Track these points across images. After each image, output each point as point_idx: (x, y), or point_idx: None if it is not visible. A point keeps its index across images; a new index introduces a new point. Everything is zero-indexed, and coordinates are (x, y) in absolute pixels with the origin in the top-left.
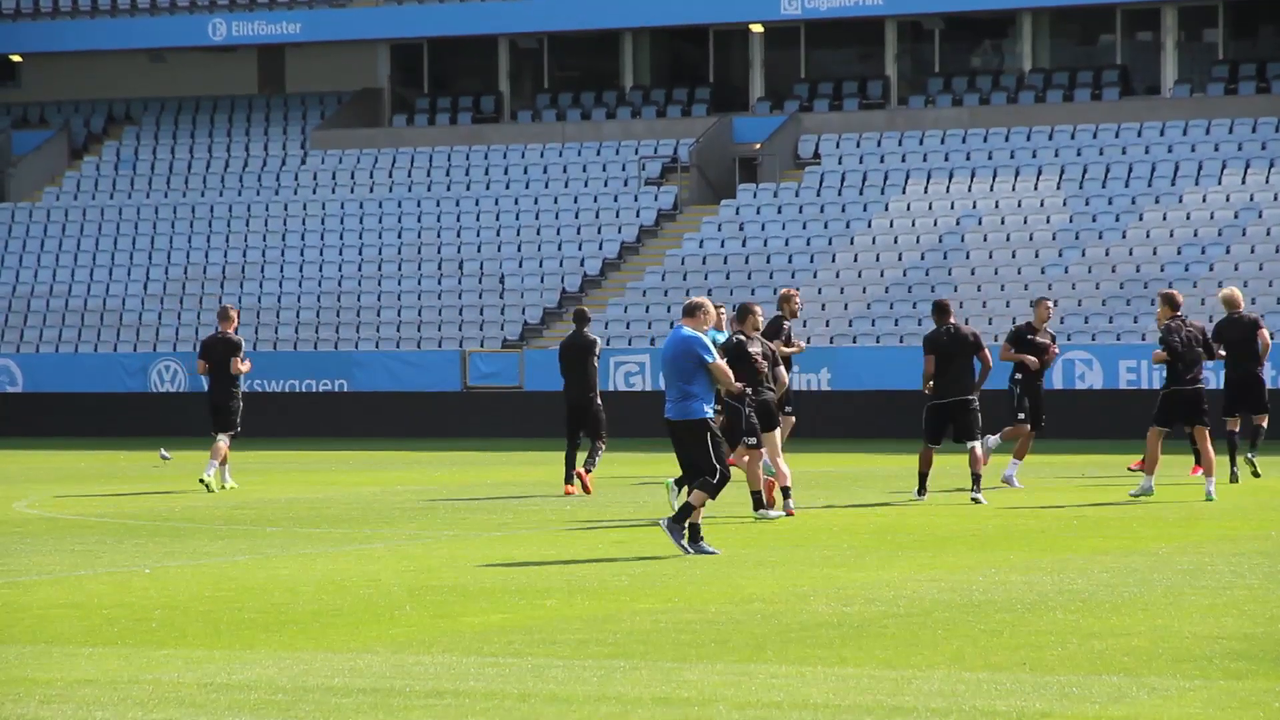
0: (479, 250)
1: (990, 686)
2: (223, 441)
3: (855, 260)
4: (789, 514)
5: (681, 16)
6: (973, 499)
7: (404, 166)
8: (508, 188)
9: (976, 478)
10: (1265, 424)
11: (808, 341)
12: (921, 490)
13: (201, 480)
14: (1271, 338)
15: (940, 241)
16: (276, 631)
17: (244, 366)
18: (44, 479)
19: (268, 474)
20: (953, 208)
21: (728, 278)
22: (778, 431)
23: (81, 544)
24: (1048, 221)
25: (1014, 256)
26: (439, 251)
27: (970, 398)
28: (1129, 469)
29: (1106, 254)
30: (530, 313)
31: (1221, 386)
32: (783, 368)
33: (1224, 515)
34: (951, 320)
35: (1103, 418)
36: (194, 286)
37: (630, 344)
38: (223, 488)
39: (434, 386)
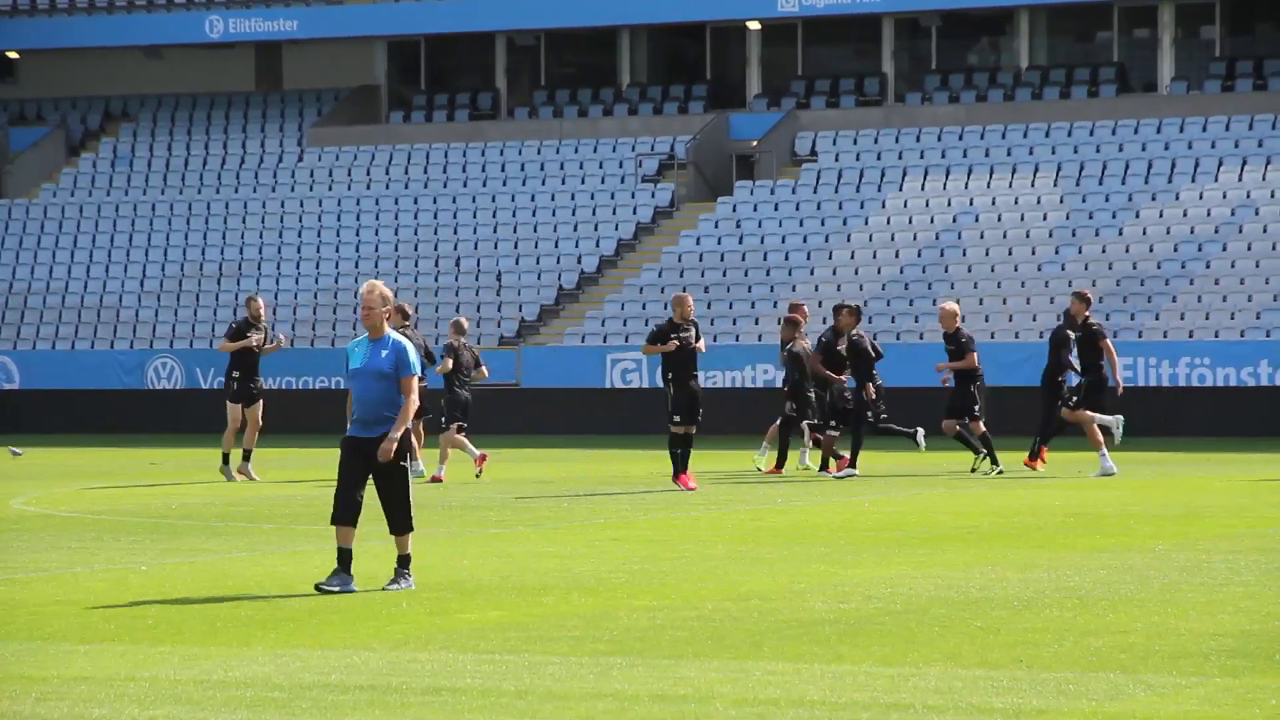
0: (476, 248)
1: (987, 683)
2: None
3: (852, 257)
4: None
5: (679, 14)
6: None
7: (401, 164)
8: (505, 185)
9: None
10: None
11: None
12: None
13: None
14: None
15: (937, 239)
16: (273, 628)
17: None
18: (40, 476)
19: (266, 471)
20: (949, 205)
21: (725, 275)
22: None
23: (78, 541)
24: (1044, 219)
25: (1010, 254)
26: (436, 249)
27: None
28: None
29: (1103, 251)
30: (527, 310)
31: None
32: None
33: (1221, 513)
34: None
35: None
36: (190, 284)
37: (627, 341)
38: None
39: (431, 384)
